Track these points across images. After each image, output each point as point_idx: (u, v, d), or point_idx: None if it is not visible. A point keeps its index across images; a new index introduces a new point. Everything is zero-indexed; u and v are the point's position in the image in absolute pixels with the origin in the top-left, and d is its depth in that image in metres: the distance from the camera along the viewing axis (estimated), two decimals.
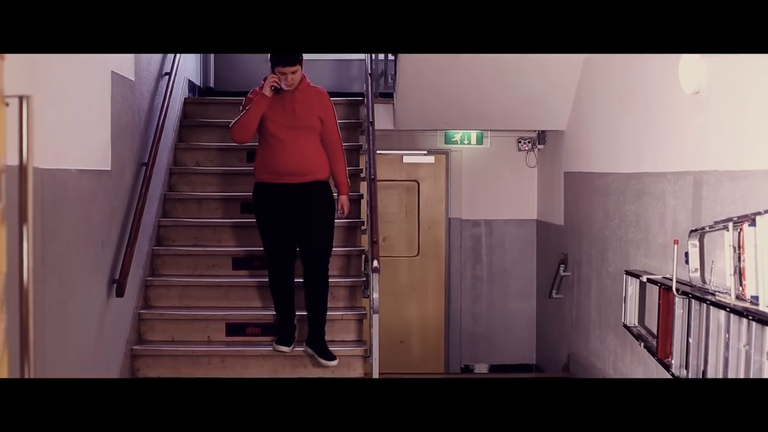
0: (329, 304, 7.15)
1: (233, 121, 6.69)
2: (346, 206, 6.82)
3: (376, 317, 6.37)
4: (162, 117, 7.51)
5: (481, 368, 11.34)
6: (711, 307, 4.92)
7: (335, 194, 6.81)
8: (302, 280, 6.74)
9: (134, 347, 6.74)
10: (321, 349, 6.69)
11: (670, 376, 5.67)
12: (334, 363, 6.65)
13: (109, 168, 6.08)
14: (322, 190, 6.69)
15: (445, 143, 11.13)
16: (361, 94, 9.42)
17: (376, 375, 6.44)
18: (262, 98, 6.59)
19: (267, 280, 7.32)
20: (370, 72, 9.20)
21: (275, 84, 6.58)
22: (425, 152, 11.49)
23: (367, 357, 6.69)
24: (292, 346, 6.79)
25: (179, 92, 8.78)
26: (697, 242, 5.34)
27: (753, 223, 4.42)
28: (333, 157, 6.75)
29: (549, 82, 8.57)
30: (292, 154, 6.59)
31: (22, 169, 2.27)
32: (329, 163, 6.73)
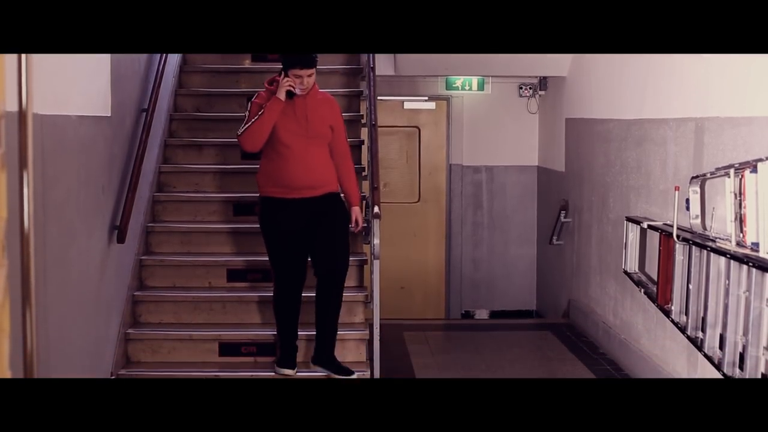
0: None
1: (242, 129, 6.05)
2: (359, 218, 6.29)
3: (376, 263, 6.38)
4: (162, 63, 7.46)
5: (482, 314, 11.41)
6: (711, 253, 4.93)
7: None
8: (314, 295, 6.26)
9: (135, 293, 6.76)
10: (337, 367, 6.18)
11: (671, 323, 5.70)
12: (354, 376, 6.18)
13: (109, 114, 6.06)
14: (335, 202, 6.18)
15: (446, 89, 11.10)
16: None
17: (377, 321, 6.46)
18: (277, 103, 5.95)
19: None
20: None
21: (290, 87, 5.95)
22: (426, 98, 11.46)
23: (368, 303, 6.71)
24: (296, 369, 6.26)
25: None
26: (698, 189, 5.34)
27: (754, 170, 4.41)
28: (343, 168, 6.21)
29: None
30: (304, 166, 6.00)
31: (22, 114, 2.26)
32: (338, 174, 6.19)
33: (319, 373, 6.23)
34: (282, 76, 5.99)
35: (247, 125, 6.02)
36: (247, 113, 6.07)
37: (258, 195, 6.23)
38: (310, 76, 5.97)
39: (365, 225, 6.40)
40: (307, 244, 6.12)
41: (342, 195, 6.27)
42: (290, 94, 5.97)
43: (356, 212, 6.27)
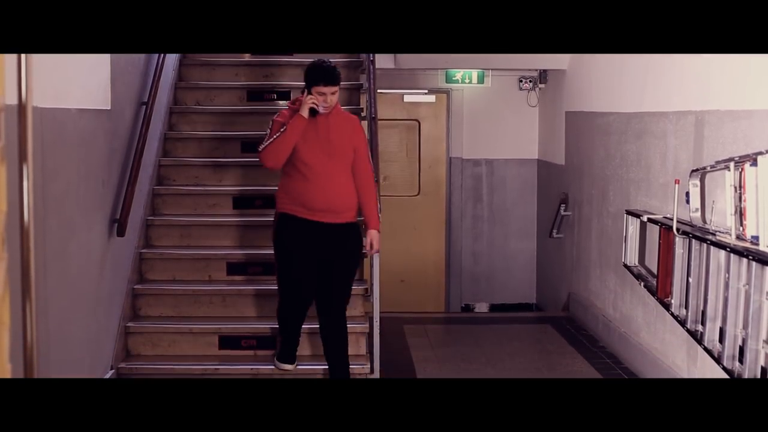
0: None
1: (264, 145, 5.82)
2: (376, 242, 6.03)
3: (376, 256, 6.38)
4: (162, 56, 7.46)
5: (482, 307, 11.41)
6: (711, 246, 4.93)
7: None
8: (317, 327, 6.11)
9: (135, 286, 6.76)
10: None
11: (671, 316, 5.71)
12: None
13: (108, 107, 6.06)
14: (356, 237, 6.01)
15: (446, 82, 11.09)
16: None
17: (376, 314, 6.47)
18: (300, 120, 5.74)
19: (267, 219, 7.33)
20: None
21: (314, 105, 5.73)
22: (426, 91, 11.45)
23: (367, 296, 6.71)
24: (295, 364, 6.24)
25: None
26: (698, 182, 5.33)
27: (754, 163, 4.41)
28: (364, 191, 5.97)
29: None
30: (324, 187, 5.80)
31: (22, 108, 2.26)
32: (358, 196, 5.96)
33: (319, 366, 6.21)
34: (305, 93, 5.79)
35: (268, 142, 5.80)
36: (268, 130, 5.86)
37: (275, 212, 6.02)
38: (333, 93, 5.77)
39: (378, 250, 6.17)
40: (318, 269, 5.89)
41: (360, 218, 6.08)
42: (313, 112, 5.76)
43: (373, 236, 6.01)
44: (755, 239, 4.43)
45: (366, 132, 7.71)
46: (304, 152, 5.78)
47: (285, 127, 5.75)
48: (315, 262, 5.86)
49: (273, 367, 6.29)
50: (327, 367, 6.06)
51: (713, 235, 4.96)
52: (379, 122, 7.57)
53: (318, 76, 5.73)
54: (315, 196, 5.78)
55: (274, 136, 5.77)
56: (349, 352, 6.47)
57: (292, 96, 8.36)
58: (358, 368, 6.30)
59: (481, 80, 11.02)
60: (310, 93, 5.75)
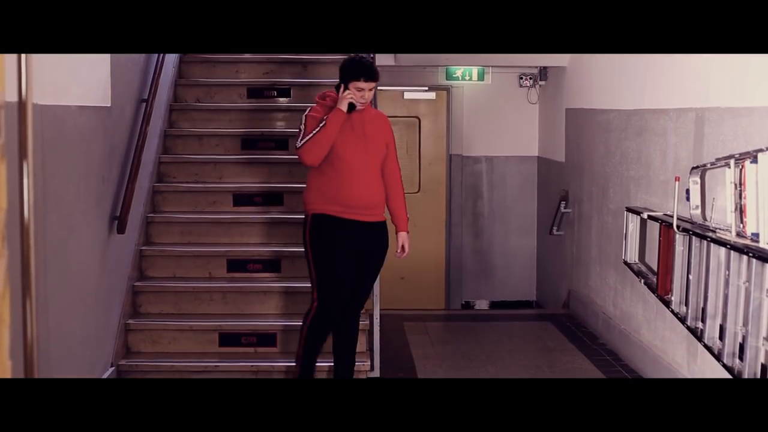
0: None
1: (302, 141, 5.63)
2: (407, 244, 5.97)
3: None
4: (162, 53, 7.46)
5: (482, 304, 11.41)
6: (711, 244, 4.93)
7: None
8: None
9: (136, 283, 6.76)
10: None
11: (671, 314, 5.71)
12: None
13: (109, 104, 6.05)
14: (385, 237, 5.88)
15: (446, 79, 11.08)
16: None
17: (377, 311, 6.47)
18: (340, 115, 5.60)
19: (266, 216, 7.34)
20: None
21: (352, 99, 5.62)
22: (426, 88, 11.45)
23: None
24: None
25: None
26: (698, 179, 5.33)
27: (755, 160, 4.41)
28: (393, 190, 5.88)
29: None
30: (362, 183, 5.69)
31: (22, 105, 2.25)
32: (387, 195, 5.87)
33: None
34: (342, 88, 5.65)
35: (308, 137, 5.61)
36: (302, 127, 5.70)
37: (305, 213, 5.81)
38: (371, 89, 5.69)
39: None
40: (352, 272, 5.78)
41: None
42: (351, 108, 5.64)
43: (404, 238, 5.95)
44: (755, 236, 4.43)
45: None
46: (342, 148, 5.65)
47: (324, 122, 5.60)
48: (353, 263, 5.73)
49: (273, 364, 6.30)
50: (331, 363, 5.99)
51: (713, 232, 4.96)
52: None
53: (358, 72, 5.61)
54: (352, 192, 5.66)
55: (313, 132, 5.61)
56: None
57: (292, 93, 8.38)
58: (358, 365, 6.30)
59: (481, 77, 11.02)
60: (347, 88, 5.63)
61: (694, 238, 5.23)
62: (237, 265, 7.01)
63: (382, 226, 5.81)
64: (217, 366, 6.35)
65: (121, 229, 6.12)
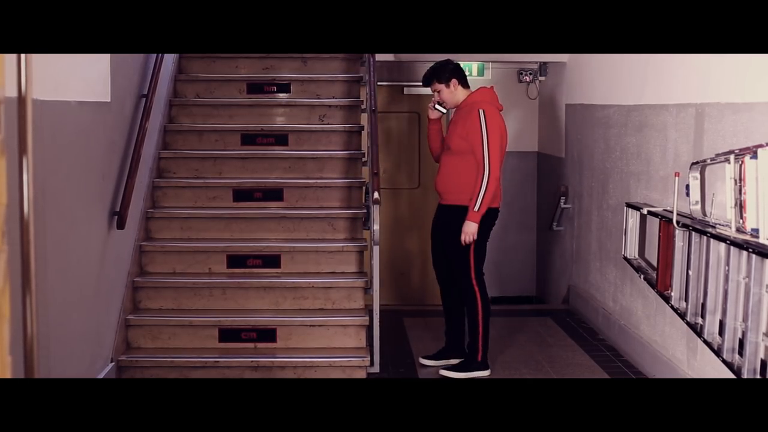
0: (330, 236, 7.18)
1: None
2: (468, 234, 6.26)
3: (376, 249, 6.39)
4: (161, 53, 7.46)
5: None
6: (711, 239, 4.93)
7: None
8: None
9: (136, 279, 6.76)
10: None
11: (671, 309, 5.71)
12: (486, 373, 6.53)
13: (108, 100, 6.05)
14: (452, 215, 6.36)
15: None
16: None
17: (376, 307, 6.48)
18: (429, 121, 6.69)
19: (266, 212, 7.35)
20: None
21: (430, 107, 6.61)
22: None
23: (367, 289, 6.72)
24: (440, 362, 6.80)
25: None
26: (698, 174, 5.33)
27: (755, 156, 4.41)
28: (474, 182, 6.28)
29: None
30: (440, 173, 6.52)
31: (21, 100, 2.26)
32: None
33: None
34: None
35: None
36: None
37: None
38: (437, 91, 6.48)
39: (474, 240, 6.33)
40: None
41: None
42: (439, 110, 6.56)
43: (464, 225, 6.25)
44: (755, 232, 4.43)
45: (366, 124, 7.72)
46: (445, 144, 6.52)
47: None
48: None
49: (273, 359, 6.31)
50: (331, 359, 6.18)
51: (713, 227, 4.96)
52: (379, 114, 7.56)
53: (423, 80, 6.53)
54: (436, 180, 6.53)
55: None
56: (350, 345, 6.49)
57: (292, 89, 8.38)
58: (357, 361, 6.32)
59: (481, 73, 11.00)
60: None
61: (693, 233, 5.23)
62: (237, 260, 7.01)
63: (452, 209, 6.39)
64: (217, 361, 6.35)
65: (120, 225, 6.13)
